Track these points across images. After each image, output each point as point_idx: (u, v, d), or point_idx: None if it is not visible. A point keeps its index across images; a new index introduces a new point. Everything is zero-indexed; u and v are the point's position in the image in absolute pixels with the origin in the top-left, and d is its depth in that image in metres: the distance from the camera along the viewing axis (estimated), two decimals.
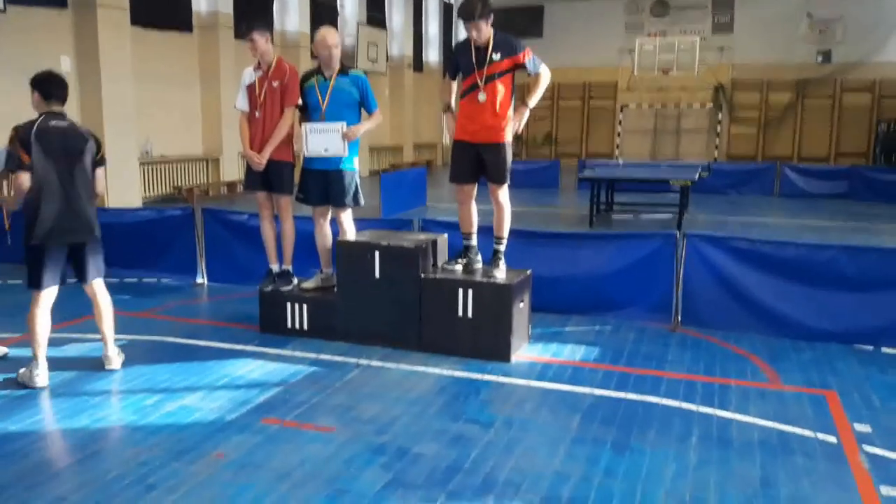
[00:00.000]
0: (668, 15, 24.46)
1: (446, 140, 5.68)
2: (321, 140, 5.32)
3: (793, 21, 22.69)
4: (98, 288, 4.83)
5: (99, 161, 4.73)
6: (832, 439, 3.89)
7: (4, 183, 5.51)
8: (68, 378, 4.67)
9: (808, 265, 5.66)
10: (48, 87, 4.60)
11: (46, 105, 4.58)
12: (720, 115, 24.01)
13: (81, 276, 4.78)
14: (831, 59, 22.70)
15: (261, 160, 5.39)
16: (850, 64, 22.39)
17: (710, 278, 5.86)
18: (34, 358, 4.53)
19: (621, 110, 24.90)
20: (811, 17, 22.61)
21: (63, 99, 4.65)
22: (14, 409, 4.15)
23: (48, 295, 4.59)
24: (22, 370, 4.58)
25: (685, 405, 4.32)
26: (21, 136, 4.43)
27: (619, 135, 24.92)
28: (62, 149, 4.50)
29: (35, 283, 4.55)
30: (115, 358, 4.84)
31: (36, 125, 4.46)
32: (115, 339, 4.93)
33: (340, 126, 5.28)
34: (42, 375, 4.51)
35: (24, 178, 4.41)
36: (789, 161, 20.38)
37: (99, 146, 4.74)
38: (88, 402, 4.29)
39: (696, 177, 11.90)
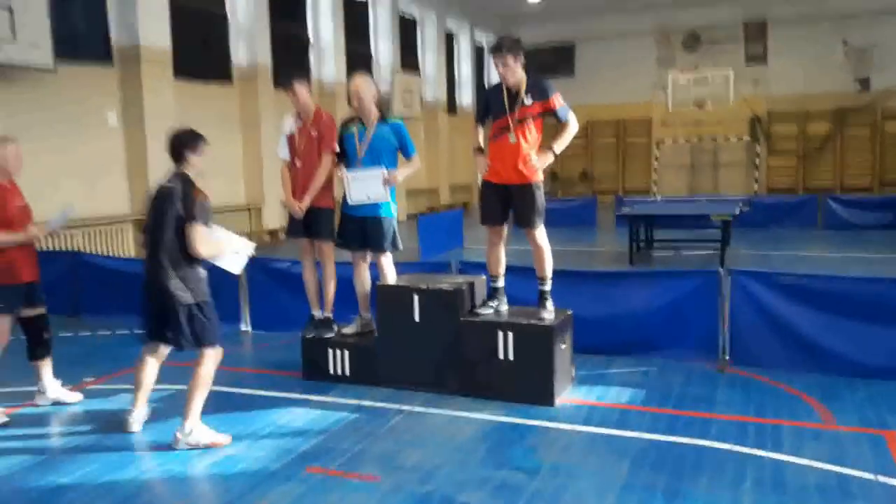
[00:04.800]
0: (700, 48, 24.42)
1: (480, 181, 5.77)
2: (363, 187, 5.40)
3: (828, 49, 22.46)
4: (203, 356, 4.50)
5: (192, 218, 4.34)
6: (894, 482, 3.74)
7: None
8: (115, 429, 4.72)
9: (858, 299, 5.50)
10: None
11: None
12: (758, 148, 23.73)
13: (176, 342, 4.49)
14: (870, 86, 22.36)
15: (301, 208, 5.47)
16: (891, 90, 22.03)
17: (756, 315, 5.74)
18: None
19: (657, 146, 24.78)
20: (847, 45, 22.37)
21: (175, 158, 4.49)
22: (64, 463, 4.21)
23: (148, 350, 4.68)
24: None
25: (737, 448, 4.20)
26: None
27: (655, 170, 24.77)
28: (151, 211, 4.43)
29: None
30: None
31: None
32: (162, 390, 4.97)
33: (381, 171, 5.35)
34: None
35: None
36: (831, 192, 19.99)
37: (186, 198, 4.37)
38: (137, 454, 4.33)
39: (737, 211, 11.74)
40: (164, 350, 4.64)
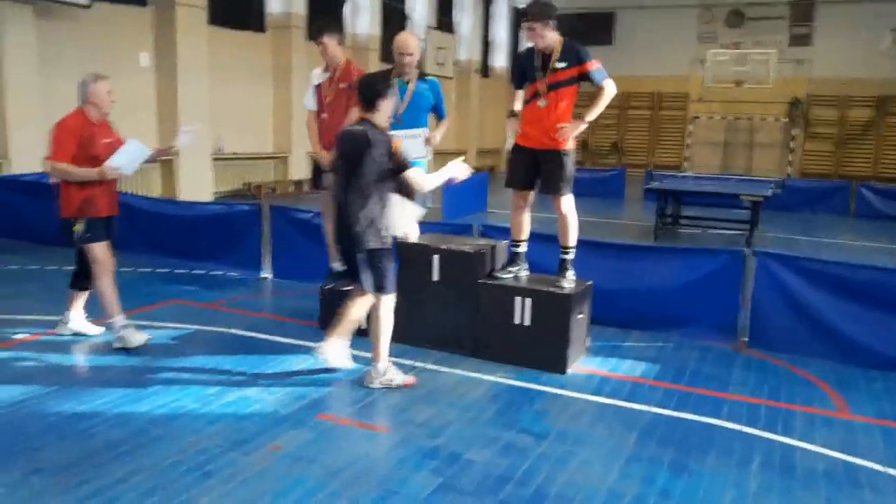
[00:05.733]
0: (743, 25, 23.83)
1: (509, 145, 5.72)
2: (405, 146, 5.38)
3: (875, 35, 21.78)
4: (379, 301, 4.56)
5: (399, 165, 4.44)
6: None
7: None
8: (135, 364, 4.82)
9: (883, 290, 5.40)
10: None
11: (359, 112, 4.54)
12: (795, 131, 23.27)
13: (358, 282, 4.57)
14: None
15: (328, 160, 5.46)
16: None
17: (779, 299, 5.67)
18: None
19: (691, 121, 24.38)
20: (894, 32, 21.69)
21: (366, 105, 4.45)
22: (82, 391, 4.30)
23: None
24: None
25: (747, 429, 4.19)
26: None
27: (688, 146, 24.41)
28: (344, 156, 4.44)
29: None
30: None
31: (343, 129, 4.59)
32: (181, 329, 5.05)
33: (423, 132, 5.39)
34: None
35: (329, 179, 4.71)
36: (867, 181, 19.58)
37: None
38: (154, 388, 4.41)
39: (768, 193, 11.56)
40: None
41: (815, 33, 22.97)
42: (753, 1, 23.33)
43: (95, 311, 5.46)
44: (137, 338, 5.09)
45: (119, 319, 5.10)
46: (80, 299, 5.35)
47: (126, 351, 4.99)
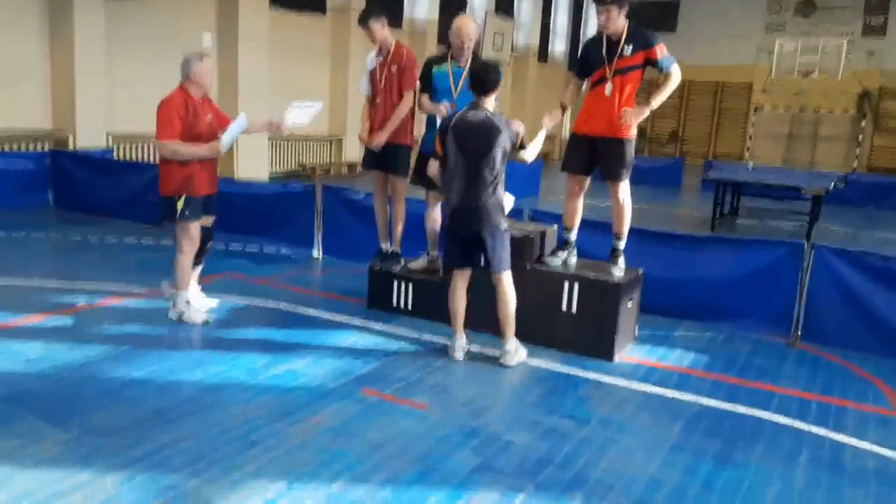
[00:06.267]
0: (814, 14, 23.03)
1: (565, 133, 5.62)
2: None
3: None
4: (502, 280, 4.75)
5: (521, 146, 4.73)
6: None
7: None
8: (188, 334, 4.96)
9: None
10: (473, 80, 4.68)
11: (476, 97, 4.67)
12: (863, 124, 22.42)
13: (487, 265, 4.74)
14: None
15: (378, 141, 5.49)
16: None
17: (836, 294, 5.50)
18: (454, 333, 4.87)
19: (755, 112, 23.70)
20: None
21: (483, 92, 4.62)
22: (136, 358, 4.45)
23: (459, 275, 4.86)
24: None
25: (797, 424, 4.09)
26: (440, 126, 4.74)
27: (750, 137, 23.76)
28: (470, 142, 4.58)
29: (446, 264, 4.95)
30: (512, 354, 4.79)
31: (455, 117, 4.66)
32: (234, 302, 5.14)
33: None
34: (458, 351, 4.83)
35: (434, 167, 4.76)
36: None
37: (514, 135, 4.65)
38: (205, 358, 4.54)
39: (832, 186, 11.19)
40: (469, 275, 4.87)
41: (890, 24, 22.04)
42: None
43: (152, 282, 5.62)
44: (198, 317, 5.17)
45: (186, 295, 5.18)
46: (195, 273, 5.40)
47: (180, 322, 5.13)
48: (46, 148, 9.86)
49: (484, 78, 4.61)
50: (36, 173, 9.24)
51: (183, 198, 5.01)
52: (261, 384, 4.19)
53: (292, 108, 5.32)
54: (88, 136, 10.17)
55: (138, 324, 5.09)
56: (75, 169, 9.25)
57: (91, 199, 8.99)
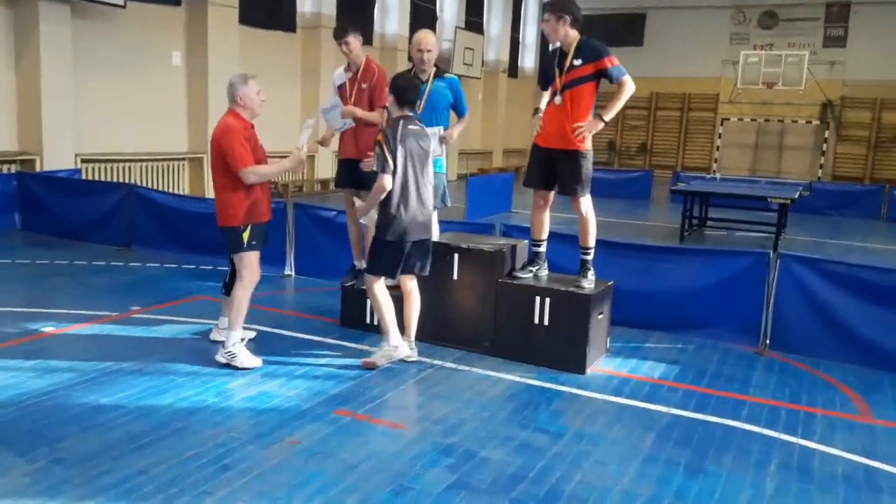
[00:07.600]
0: (777, 27, 23.53)
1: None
2: None
3: None
4: (414, 283, 5.08)
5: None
6: None
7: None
8: (158, 358, 4.90)
9: None
10: (405, 93, 4.80)
11: (400, 110, 4.81)
12: (827, 133, 22.89)
13: (415, 269, 4.99)
14: None
15: (349, 111, 5.45)
16: None
17: (803, 302, 5.60)
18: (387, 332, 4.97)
19: (721, 123, 24.10)
20: None
21: (413, 103, 4.90)
22: (106, 384, 4.39)
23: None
24: (384, 349, 4.94)
25: (766, 431, 4.15)
26: (386, 139, 4.71)
27: (717, 148, 24.13)
28: (417, 152, 4.81)
29: (385, 272, 4.93)
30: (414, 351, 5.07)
31: (400, 129, 4.74)
32: (205, 324, 5.11)
33: (438, 130, 5.37)
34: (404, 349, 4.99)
35: (387, 181, 4.71)
36: None
37: None
38: (174, 381, 4.49)
39: (797, 195, 11.41)
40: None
41: (850, 35, 22.59)
42: (787, 2, 23.02)
43: (120, 304, 5.54)
44: (251, 361, 4.76)
45: (239, 334, 4.80)
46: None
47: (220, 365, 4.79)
48: (13, 170, 9.72)
49: (405, 89, 4.83)
50: (2, 196, 9.11)
51: (249, 228, 4.78)
52: (233, 407, 4.16)
53: (305, 128, 4.95)
54: (57, 159, 10.01)
55: (107, 349, 5.03)
56: (42, 191, 9.12)
57: (59, 222, 8.87)
